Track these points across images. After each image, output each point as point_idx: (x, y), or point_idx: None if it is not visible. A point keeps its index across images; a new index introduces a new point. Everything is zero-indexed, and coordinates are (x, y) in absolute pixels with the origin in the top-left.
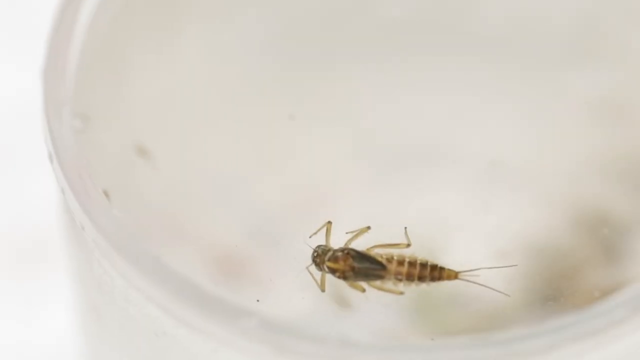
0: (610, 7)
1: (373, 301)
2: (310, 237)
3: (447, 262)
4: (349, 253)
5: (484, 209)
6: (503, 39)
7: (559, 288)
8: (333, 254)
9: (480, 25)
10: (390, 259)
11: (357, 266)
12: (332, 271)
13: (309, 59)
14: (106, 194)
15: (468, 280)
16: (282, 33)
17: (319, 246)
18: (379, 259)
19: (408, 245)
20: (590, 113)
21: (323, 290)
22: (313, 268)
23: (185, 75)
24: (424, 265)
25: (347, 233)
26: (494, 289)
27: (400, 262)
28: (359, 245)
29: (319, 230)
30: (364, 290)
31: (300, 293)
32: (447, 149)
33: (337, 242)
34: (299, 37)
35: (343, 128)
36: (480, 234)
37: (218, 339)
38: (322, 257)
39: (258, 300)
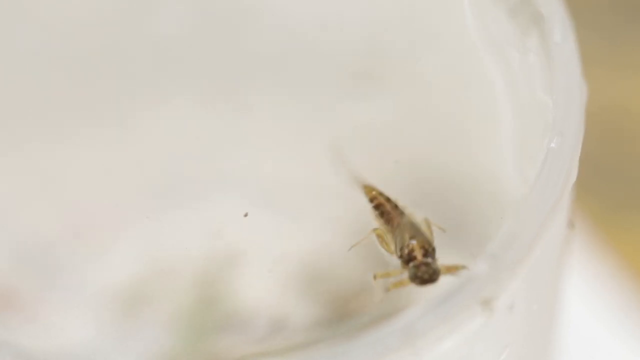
0: (395, 32)
1: (150, 325)
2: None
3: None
4: (410, 243)
5: (265, 234)
6: (280, 63)
7: (338, 313)
8: (415, 250)
9: (255, 47)
10: (391, 212)
11: (414, 233)
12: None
13: (79, 84)
14: None
15: None
16: (54, 53)
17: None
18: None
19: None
20: (370, 138)
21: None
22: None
23: None
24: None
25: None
26: None
27: (388, 210)
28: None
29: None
30: None
31: (71, 322)
32: (225, 175)
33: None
34: (74, 60)
35: (121, 153)
36: (265, 259)
37: None
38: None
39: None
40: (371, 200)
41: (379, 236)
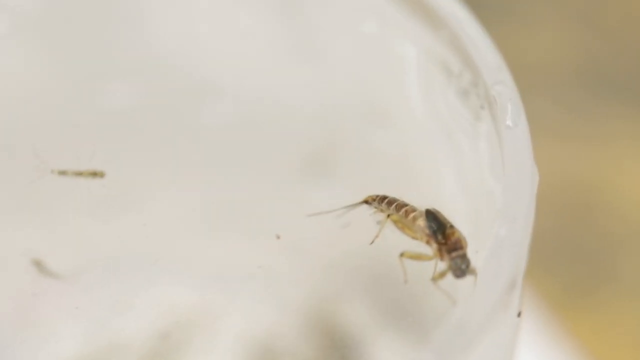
0: (344, 114)
1: None
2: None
3: None
4: (454, 230)
5: (216, 313)
6: (231, 146)
7: None
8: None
9: (206, 128)
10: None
11: (446, 220)
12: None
13: (17, 158)
14: None
15: None
16: None
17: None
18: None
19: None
20: (320, 223)
21: None
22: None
23: None
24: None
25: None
26: None
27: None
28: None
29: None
30: None
31: None
32: (175, 255)
33: None
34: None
35: (63, 230)
36: (217, 339)
37: None
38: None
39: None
40: (379, 200)
41: (396, 222)
